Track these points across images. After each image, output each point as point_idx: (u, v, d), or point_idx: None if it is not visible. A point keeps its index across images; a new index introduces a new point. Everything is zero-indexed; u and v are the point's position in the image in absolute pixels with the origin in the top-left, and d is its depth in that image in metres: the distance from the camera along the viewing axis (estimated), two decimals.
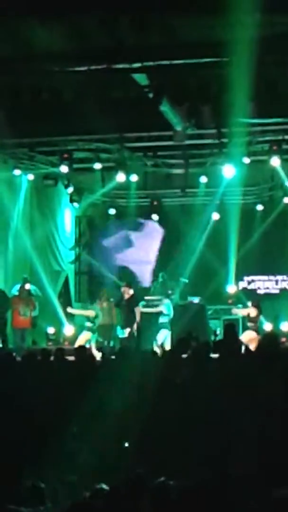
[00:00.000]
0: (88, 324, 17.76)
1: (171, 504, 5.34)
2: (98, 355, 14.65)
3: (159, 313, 18.00)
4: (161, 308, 18.12)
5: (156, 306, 18.39)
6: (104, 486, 5.87)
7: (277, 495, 5.22)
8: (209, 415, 7.85)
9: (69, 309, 18.83)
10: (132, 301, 18.44)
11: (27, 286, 18.96)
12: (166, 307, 18.06)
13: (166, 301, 18.41)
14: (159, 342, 17.63)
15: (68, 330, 19.61)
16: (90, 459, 7.32)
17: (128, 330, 17.77)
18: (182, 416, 8.00)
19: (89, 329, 17.88)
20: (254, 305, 17.41)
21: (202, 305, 19.95)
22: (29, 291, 19.18)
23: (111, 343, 18.70)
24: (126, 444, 7.78)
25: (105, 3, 11.22)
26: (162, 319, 17.94)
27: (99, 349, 16.68)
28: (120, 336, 17.80)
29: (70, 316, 19.87)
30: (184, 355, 10.41)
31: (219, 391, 8.27)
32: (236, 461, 6.91)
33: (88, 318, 18.08)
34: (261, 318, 17.77)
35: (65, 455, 7.59)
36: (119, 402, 8.20)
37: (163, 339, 17.62)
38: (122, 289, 19.04)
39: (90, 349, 16.21)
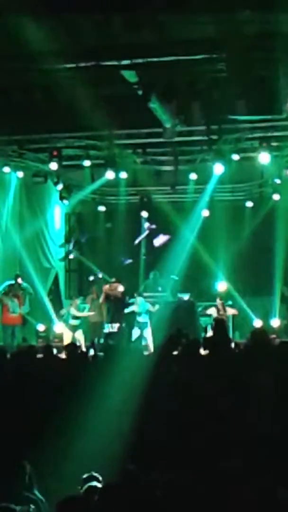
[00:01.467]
0: (74, 321, 17.96)
1: (163, 500, 5.36)
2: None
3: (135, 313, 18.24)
4: (133, 308, 18.31)
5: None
6: (96, 474, 5.90)
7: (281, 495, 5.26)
8: (201, 411, 7.88)
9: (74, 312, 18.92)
10: (121, 297, 18.52)
11: (19, 280, 19.08)
12: (140, 306, 18.26)
13: (139, 299, 18.52)
14: (148, 341, 17.76)
15: (58, 327, 19.60)
16: (83, 455, 7.33)
17: (117, 325, 17.83)
18: (173, 412, 8.02)
19: (77, 327, 18.05)
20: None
21: (192, 302, 19.99)
22: (19, 286, 19.24)
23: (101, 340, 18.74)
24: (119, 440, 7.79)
25: (96, 1, 11.21)
26: (140, 319, 18.13)
27: (90, 346, 16.69)
28: (104, 331, 17.88)
29: (60, 314, 19.87)
30: (175, 352, 10.46)
31: (210, 387, 8.30)
32: (229, 456, 6.94)
33: (73, 316, 18.23)
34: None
35: (58, 451, 7.60)
36: (111, 398, 8.21)
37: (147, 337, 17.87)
38: (112, 285, 19.12)
39: (80, 346, 16.24)
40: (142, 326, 18.16)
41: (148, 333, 18.07)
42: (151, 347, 16.93)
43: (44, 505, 6.25)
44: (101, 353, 11.74)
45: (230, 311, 18.84)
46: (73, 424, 7.92)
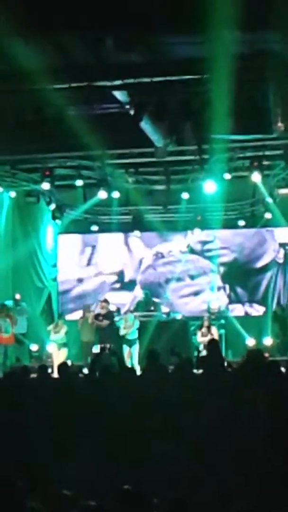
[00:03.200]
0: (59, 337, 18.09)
1: None
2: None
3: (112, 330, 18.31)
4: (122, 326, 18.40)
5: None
6: (92, 503, 5.86)
7: None
8: (195, 432, 7.86)
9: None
10: (105, 318, 18.55)
11: (17, 297, 19.19)
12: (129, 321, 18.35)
13: (129, 316, 18.57)
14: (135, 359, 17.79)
15: (51, 347, 19.57)
16: (79, 475, 7.30)
17: (107, 345, 17.82)
18: (167, 432, 8.00)
19: (64, 344, 18.11)
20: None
21: (184, 321, 19.98)
22: (17, 304, 19.29)
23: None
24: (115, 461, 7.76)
25: (88, 21, 11.25)
26: (128, 336, 18.16)
27: (84, 365, 16.70)
28: (93, 351, 17.88)
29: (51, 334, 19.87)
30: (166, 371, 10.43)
31: (204, 407, 8.28)
32: (224, 478, 6.94)
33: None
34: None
35: (54, 471, 7.56)
36: (105, 418, 8.19)
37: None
38: (100, 304, 19.12)
39: (72, 365, 16.20)
40: (131, 344, 18.18)
41: (136, 350, 18.10)
42: (136, 365, 16.96)
43: None
44: (94, 373, 11.68)
45: (214, 333, 18.62)
46: (67, 444, 7.89)
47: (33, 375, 11.54)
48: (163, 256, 22.17)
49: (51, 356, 18.91)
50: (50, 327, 18.94)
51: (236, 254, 21.66)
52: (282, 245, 21.45)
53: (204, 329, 18.35)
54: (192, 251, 21.98)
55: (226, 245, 21.76)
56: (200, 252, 21.99)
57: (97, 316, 18.90)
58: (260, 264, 21.55)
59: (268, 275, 21.43)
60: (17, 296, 19.71)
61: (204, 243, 21.91)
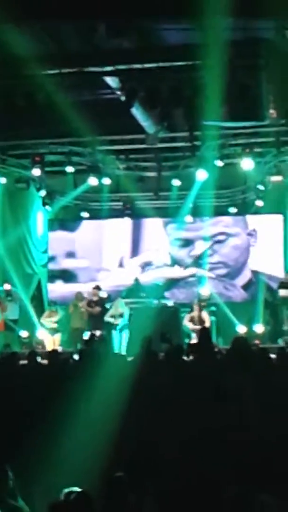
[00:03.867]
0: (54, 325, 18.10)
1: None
2: None
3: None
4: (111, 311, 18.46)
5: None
6: (76, 489, 5.86)
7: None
8: (185, 417, 7.87)
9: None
10: (97, 305, 18.55)
11: (6, 287, 19.15)
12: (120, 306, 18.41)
13: (119, 302, 18.62)
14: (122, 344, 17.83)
15: (41, 333, 19.54)
16: (68, 462, 7.30)
17: (97, 332, 17.83)
18: (158, 417, 8.01)
19: (56, 330, 18.14)
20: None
21: (175, 307, 19.98)
22: (9, 292, 19.30)
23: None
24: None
25: (80, 8, 11.19)
26: (118, 321, 18.21)
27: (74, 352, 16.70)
28: (84, 337, 17.89)
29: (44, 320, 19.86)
30: (157, 358, 10.45)
31: (194, 393, 8.30)
32: (214, 462, 6.95)
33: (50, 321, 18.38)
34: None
35: (42, 458, 7.57)
36: (95, 405, 8.19)
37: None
38: (92, 291, 19.12)
39: (63, 352, 16.20)
40: (121, 330, 18.22)
41: (124, 336, 18.16)
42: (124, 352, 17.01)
43: None
44: (83, 359, 11.67)
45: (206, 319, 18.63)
46: (57, 431, 7.89)
47: (23, 362, 11.52)
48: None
49: (42, 342, 18.89)
50: (45, 314, 18.94)
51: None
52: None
53: (195, 317, 18.34)
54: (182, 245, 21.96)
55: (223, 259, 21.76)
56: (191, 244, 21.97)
57: (89, 303, 18.90)
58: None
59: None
60: (6, 286, 19.65)
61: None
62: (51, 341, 18.29)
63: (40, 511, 6.03)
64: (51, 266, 22.35)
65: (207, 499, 5.67)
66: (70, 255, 22.38)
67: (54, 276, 22.32)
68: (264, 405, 7.98)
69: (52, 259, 22.42)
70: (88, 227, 22.49)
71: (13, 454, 7.50)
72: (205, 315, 18.45)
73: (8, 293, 19.66)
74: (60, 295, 21.49)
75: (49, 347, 17.51)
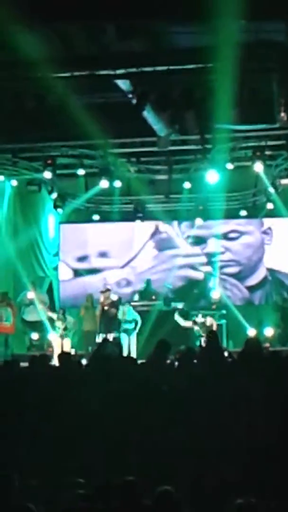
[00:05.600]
0: (62, 330, 18.10)
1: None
2: None
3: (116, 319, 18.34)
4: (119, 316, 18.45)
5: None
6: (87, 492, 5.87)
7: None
8: (197, 421, 7.87)
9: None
10: (112, 307, 18.55)
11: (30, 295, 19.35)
12: (127, 314, 18.34)
13: (126, 307, 18.59)
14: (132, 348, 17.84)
15: (53, 336, 19.59)
16: (75, 465, 7.30)
17: (110, 335, 17.84)
18: (170, 421, 8.00)
19: (66, 335, 18.12)
20: None
21: (186, 310, 19.97)
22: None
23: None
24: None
25: (90, 10, 11.21)
26: (126, 326, 18.19)
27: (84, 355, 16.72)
28: (97, 340, 17.89)
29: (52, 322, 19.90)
30: (168, 361, 10.43)
31: (204, 396, 8.29)
32: (226, 465, 6.94)
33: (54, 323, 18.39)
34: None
35: (49, 461, 7.57)
36: (104, 407, 8.19)
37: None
38: (102, 294, 19.12)
39: (75, 355, 16.23)
40: (128, 333, 18.24)
41: (133, 340, 18.17)
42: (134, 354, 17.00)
43: None
44: (97, 362, 11.67)
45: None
46: (67, 435, 7.89)
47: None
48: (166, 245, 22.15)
49: (52, 345, 18.94)
50: (54, 315, 18.97)
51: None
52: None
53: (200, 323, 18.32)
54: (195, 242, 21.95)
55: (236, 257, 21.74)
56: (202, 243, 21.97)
57: (111, 304, 18.85)
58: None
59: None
60: (30, 295, 19.82)
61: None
62: (60, 344, 18.28)
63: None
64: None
65: (219, 506, 5.65)
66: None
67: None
68: (275, 409, 7.96)
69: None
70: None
71: (21, 456, 7.52)
72: (209, 321, 18.40)
73: (31, 301, 19.79)
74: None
75: (57, 350, 17.51)
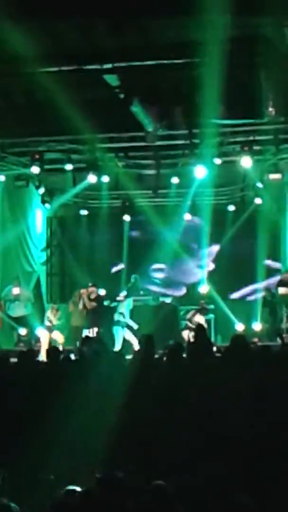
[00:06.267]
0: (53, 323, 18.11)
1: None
2: None
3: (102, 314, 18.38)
4: (121, 309, 18.41)
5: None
6: (77, 488, 5.85)
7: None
8: (185, 415, 7.87)
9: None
10: (98, 302, 18.54)
11: (15, 291, 19.30)
12: (126, 307, 18.38)
13: (127, 300, 18.60)
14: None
15: (40, 331, 19.56)
16: (62, 462, 7.29)
17: (95, 330, 17.83)
18: (157, 416, 8.00)
19: (57, 327, 18.13)
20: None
21: (174, 305, 19.99)
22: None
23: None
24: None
25: (78, 5, 11.19)
26: (122, 318, 18.18)
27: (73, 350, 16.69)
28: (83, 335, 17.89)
29: (42, 318, 19.87)
30: (156, 356, 10.45)
31: (193, 391, 8.30)
32: (212, 460, 6.94)
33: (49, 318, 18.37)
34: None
35: (36, 458, 7.56)
36: (92, 404, 8.18)
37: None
38: (89, 289, 19.09)
39: (63, 350, 16.21)
40: (124, 325, 18.20)
41: (128, 332, 18.16)
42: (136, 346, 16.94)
43: None
44: (81, 357, 11.67)
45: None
46: (53, 431, 7.88)
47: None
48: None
49: (40, 340, 18.92)
50: (48, 312, 18.95)
51: None
52: None
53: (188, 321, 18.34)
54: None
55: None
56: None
57: (88, 297, 18.84)
58: None
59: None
60: (16, 291, 19.74)
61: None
62: (48, 338, 18.26)
63: (34, 510, 6.01)
64: None
65: (209, 500, 5.66)
66: None
67: None
68: (262, 403, 7.99)
69: None
70: None
71: (8, 453, 7.51)
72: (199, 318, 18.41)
73: (16, 297, 19.75)
74: None
75: (45, 345, 17.49)
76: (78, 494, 5.56)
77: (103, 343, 16.95)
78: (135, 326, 18.06)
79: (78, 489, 5.80)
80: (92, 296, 18.90)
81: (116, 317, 18.38)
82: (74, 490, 5.77)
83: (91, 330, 17.85)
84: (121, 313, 18.40)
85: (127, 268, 22.34)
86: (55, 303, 20.27)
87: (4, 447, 7.74)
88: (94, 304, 18.62)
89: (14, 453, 7.52)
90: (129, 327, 18.15)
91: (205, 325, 18.11)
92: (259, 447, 7.21)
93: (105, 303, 19.23)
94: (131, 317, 18.54)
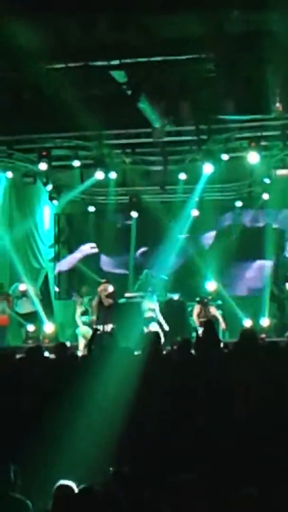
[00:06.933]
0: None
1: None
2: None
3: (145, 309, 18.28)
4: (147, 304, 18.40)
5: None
6: (69, 483, 5.89)
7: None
8: (193, 411, 7.90)
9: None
10: (109, 298, 18.50)
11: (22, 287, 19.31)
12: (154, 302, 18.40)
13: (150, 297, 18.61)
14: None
15: (48, 328, 19.61)
16: (72, 457, 7.32)
17: (109, 326, 17.81)
18: (165, 413, 8.03)
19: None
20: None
21: (182, 301, 19.99)
22: (4, 288, 19.40)
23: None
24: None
25: (82, 1, 11.21)
26: (151, 314, 18.17)
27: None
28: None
29: (50, 314, 19.92)
30: (164, 352, 10.46)
31: (202, 387, 8.32)
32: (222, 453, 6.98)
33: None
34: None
35: (46, 454, 7.59)
36: (102, 400, 8.20)
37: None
38: (101, 286, 19.06)
39: (72, 346, 16.25)
40: (152, 320, 18.18)
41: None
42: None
43: (29, 507, 6.21)
44: (90, 353, 11.68)
45: (213, 311, 18.71)
46: (62, 427, 7.90)
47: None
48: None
49: (49, 336, 18.95)
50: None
51: None
52: None
53: (201, 312, 18.33)
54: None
55: None
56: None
57: (109, 295, 18.79)
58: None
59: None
60: (22, 287, 19.79)
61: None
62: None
63: (43, 505, 6.05)
64: None
65: (216, 494, 5.68)
66: None
67: None
68: (270, 398, 8.00)
69: None
70: None
71: (17, 448, 7.54)
72: (212, 309, 18.47)
73: (23, 294, 19.80)
74: None
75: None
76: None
77: (115, 340, 17.02)
78: (166, 327, 18.07)
79: (70, 483, 5.84)
80: (107, 293, 18.81)
81: (147, 313, 18.34)
82: (67, 485, 5.81)
83: (105, 326, 17.79)
84: (152, 309, 18.36)
85: (134, 264, 22.39)
86: (63, 299, 20.30)
87: (14, 442, 7.77)
88: (110, 300, 18.57)
89: (25, 449, 7.56)
90: (160, 324, 18.14)
91: (219, 317, 18.20)
92: (268, 441, 7.23)
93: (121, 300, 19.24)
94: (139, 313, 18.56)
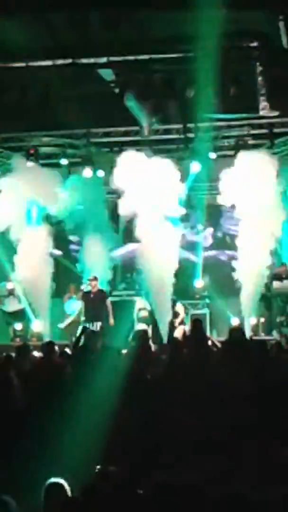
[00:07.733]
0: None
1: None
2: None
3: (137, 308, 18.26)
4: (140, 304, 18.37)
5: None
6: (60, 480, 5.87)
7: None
8: (181, 410, 7.90)
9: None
10: (98, 295, 18.46)
11: (9, 286, 19.24)
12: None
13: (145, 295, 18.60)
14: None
15: (36, 326, 19.55)
16: (60, 458, 7.30)
17: (98, 324, 17.77)
18: (155, 410, 8.03)
19: None
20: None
21: (173, 299, 19.97)
22: None
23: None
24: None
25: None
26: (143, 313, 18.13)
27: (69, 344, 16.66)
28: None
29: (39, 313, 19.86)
30: (151, 350, 10.46)
31: (190, 385, 8.32)
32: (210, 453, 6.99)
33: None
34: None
35: (33, 454, 7.57)
36: (90, 398, 8.20)
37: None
38: (89, 282, 19.02)
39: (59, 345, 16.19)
40: (145, 321, 18.14)
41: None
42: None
43: (14, 508, 6.16)
44: (77, 353, 11.65)
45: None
46: (50, 426, 7.89)
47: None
48: None
49: (37, 335, 18.89)
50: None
51: None
52: None
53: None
54: None
55: None
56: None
57: (97, 292, 18.70)
58: None
59: None
60: (10, 285, 19.68)
61: None
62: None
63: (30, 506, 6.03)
64: None
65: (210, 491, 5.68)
66: None
67: None
68: (260, 397, 8.02)
69: None
70: None
71: (7, 449, 7.52)
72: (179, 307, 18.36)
73: (10, 292, 19.73)
74: None
75: None
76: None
77: (103, 337, 16.99)
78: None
79: (61, 481, 5.83)
80: (94, 290, 18.74)
81: (141, 313, 18.31)
82: (58, 483, 5.81)
83: (95, 324, 17.75)
84: (146, 309, 18.31)
85: (122, 265, 22.35)
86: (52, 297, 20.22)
87: (2, 441, 7.76)
88: (100, 298, 18.51)
89: (13, 450, 7.55)
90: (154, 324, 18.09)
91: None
92: (259, 437, 7.25)
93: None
94: (127, 311, 18.54)
